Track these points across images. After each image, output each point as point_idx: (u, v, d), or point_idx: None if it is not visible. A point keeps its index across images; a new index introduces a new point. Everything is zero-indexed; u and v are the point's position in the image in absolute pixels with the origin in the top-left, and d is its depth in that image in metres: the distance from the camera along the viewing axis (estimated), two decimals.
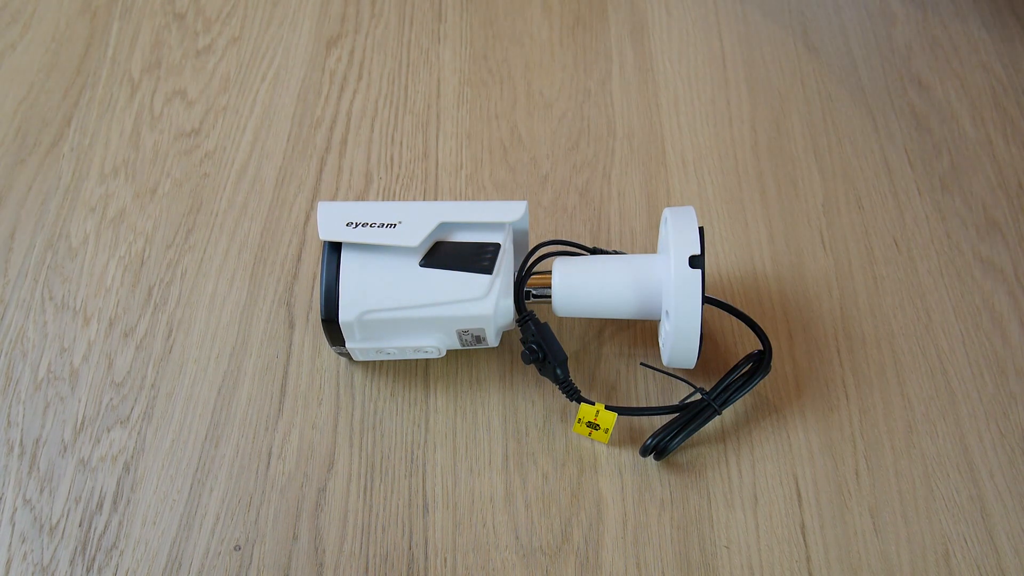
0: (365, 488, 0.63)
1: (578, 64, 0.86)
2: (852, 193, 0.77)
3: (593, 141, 0.80)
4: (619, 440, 0.65)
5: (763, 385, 0.67)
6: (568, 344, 0.69)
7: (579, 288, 0.63)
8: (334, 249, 0.61)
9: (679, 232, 0.60)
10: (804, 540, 0.61)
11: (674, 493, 0.62)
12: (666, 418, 0.65)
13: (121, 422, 0.65)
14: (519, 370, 0.68)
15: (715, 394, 0.63)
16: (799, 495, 0.62)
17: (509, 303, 0.61)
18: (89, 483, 0.63)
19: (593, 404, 0.62)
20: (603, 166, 0.79)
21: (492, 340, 0.63)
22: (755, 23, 0.89)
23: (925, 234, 0.75)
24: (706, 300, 0.64)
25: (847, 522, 0.61)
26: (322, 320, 0.60)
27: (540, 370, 0.63)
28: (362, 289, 0.60)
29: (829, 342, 0.69)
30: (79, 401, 0.66)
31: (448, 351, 0.68)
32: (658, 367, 0.67)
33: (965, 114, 0.82)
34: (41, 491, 0.62)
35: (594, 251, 0.67)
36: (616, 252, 0.68)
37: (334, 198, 0.77)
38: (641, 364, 0.68)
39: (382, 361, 0.68)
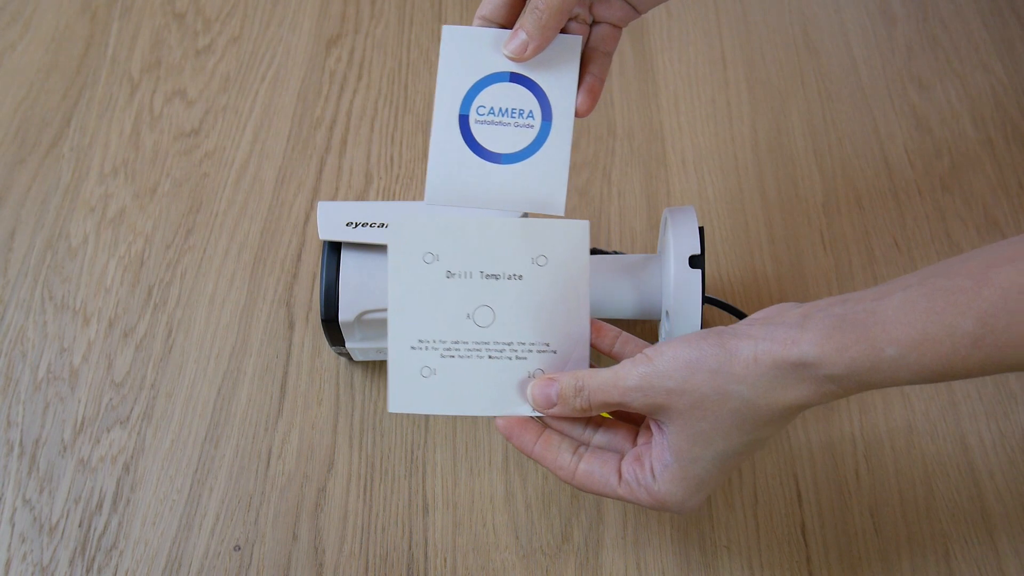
0: (365, 488, 0.63)
1: None
2: (852, 193, 0.77)
3: (593, 141, 0.80)
4: None
5: None
6: None
7: None
8: (334, 249, 0.61)
9: (679, 232, 0.60)
10: (804, 540, 0.61)
11: None
12: None
13: (121, 422, 0.65)
14: None
15: None
16: (799, 495, 0.62)
17: None
18: (89, 483, 0.63)
19: None
20: (603, 166, 0.79)
21: None
22: (755, 23, 0.89)
23: (925, 234, 0.75)
24: (706, 300, 0.64)
25: (847, 522, 0.61)
26: (322, 320, 0.60)
27: None
28: (362, 289, 0.60)
29: None
30: (79, 401, 0.66)
31: None
32: None
33: (965, 114, 0.82)
34: (41, 491, 0.62)
35: (593, 251, 0.67)
36: (616, 252, 0.68)
37: (334, 198, 0.77)
38: None
39: (382, 361, 0.68)
